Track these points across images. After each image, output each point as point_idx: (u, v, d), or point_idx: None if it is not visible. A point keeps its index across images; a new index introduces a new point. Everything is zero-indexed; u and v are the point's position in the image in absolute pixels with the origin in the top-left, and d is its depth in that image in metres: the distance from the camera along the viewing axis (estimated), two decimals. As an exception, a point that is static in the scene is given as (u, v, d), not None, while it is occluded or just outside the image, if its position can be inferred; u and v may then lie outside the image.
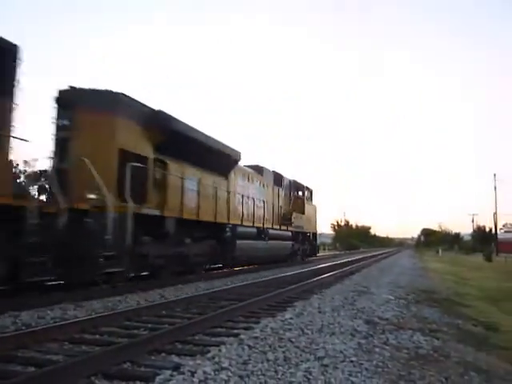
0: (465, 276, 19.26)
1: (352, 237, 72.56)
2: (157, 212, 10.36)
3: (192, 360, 4.00)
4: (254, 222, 16.68)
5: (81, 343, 4.82)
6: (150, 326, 5.76)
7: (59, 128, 9.12)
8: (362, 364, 4.17)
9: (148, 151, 10.32)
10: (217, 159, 13.45)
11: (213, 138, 13.14)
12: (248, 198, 16.33)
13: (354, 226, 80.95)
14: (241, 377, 3.58)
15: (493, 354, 5.28)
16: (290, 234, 21.04)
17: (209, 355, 4.12)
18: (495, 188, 49.69)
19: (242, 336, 4.93)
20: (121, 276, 9.22)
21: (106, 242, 8.33)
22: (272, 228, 18.73)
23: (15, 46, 7.15)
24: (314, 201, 26.65)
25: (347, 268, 17.09)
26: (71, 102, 9.11)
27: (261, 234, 17.45)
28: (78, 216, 7.93)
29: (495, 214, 51.39)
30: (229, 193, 14.52)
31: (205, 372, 3.58)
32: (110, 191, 8.55)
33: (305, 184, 24.00)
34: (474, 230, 69.85)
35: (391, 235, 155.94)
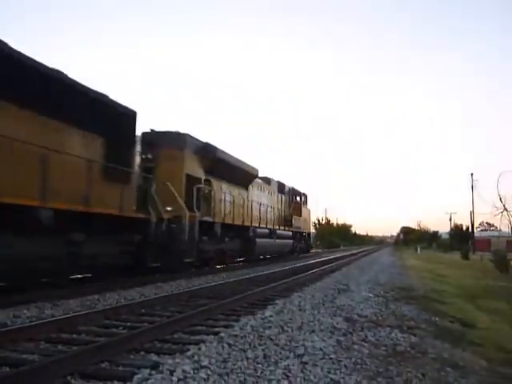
0: (442, 273, 19.61)
1: (333, 235, 73.09)
2: (210, 219, 14.30)
3: (171, 358, 3.97)
4: (266, 224, 20.67)
5: (57, 343, 4.74)
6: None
7: (144, 160, 11.72)
8: (340, 361, 4.21)
9: (201, 174, 14.14)
10: (242, 176, 17.56)
11: (240, 160, 17.26)
12: (261, 204, 20.14)
13: (335, 224, 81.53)
14: (220, 375, 3.57)
15: (469, 351, 5.38)
16: (290, 233, 25.04)
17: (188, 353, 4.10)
18: (472, 187, 50.60)
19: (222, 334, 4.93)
20: (191, 265, 13.06)
21: (183, 241, 12.01)
22: (278, 229, 22.61)
23: (135, 112, 10.57)
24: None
25: (327, 266, 17.21)
26: (153, 142, 12.34)
27: (271, 233, 21.43)
28: (167, 223, 11.61)
29: (472, 212, 52.41)
30: (249, 201, 18.43)
31: (184, 371, 3.56)
32: (181, 205, 12.32)
33: (301, 190, 28.21)
34: (452, 229, 71.07)
35: (371, 233, 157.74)
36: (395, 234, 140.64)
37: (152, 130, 12.97)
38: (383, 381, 3.79)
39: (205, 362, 3.82)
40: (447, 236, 75.67)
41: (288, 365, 3.96)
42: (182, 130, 13.59)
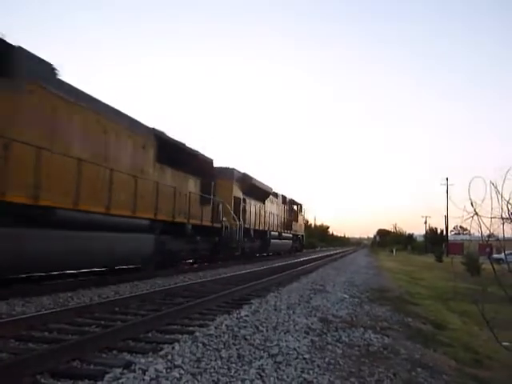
0: (416, 276, 19.97)
1: (311, 236, 73.60)
2: (247, 226, 20.77)
3: (144, 357, 3.93)
4: (276, 229, 27.38)
5: (28, 340, 4.64)
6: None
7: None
8: (314, 361, 4.24)
9: (240, 195, 20.42)
10: (263, 194, 24.42)
11: (263, 183, 24.09)
12: (272, 213, 26.46)
13: (312, 226, 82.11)
14: (193, 374, 3.55)
15: (439, 351, 5.49)
16: (291, 235, 32.07)
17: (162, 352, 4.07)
18: (447, 191, 51.66)
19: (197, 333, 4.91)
20: (238, 257, 19.81)
21: (235, 240, 18.72)
22: (283, 232, 29.22)
23: (212, 159, 16.55)
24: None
25: (306, 266, 17.33)
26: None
27: (279, 236, 28.02)
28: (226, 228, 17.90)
29: (446, 216, 53.49)
30: (266, 212, 24.98)
31: (156, 370, 3.53)
32: (232, 217, 18.76)
33: (298, 201, 35.44)
34: (427, 232, 72.47)
35: (348, 235, 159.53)
36: (372, 235, 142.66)
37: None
38: (356, 381, 3.83)
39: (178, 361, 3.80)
40: (422, 239, 77.06)
41: (262, 364, 3.97)
42: (231, 165, 20.13)
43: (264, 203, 24.62)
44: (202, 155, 15.51)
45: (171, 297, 8.12)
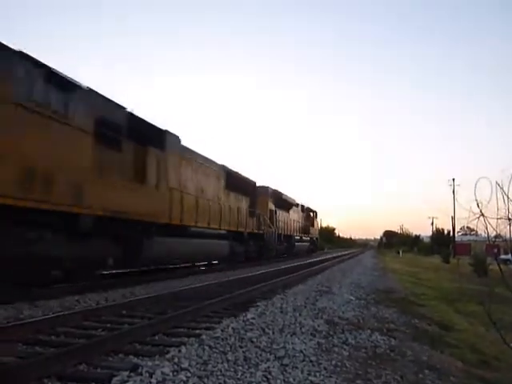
0: (423, 277, 19.87)
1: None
2: (279, 232, 25.55)
3: (151, 361, 3.94)
4: (297, 233, 32.89)
5: (35, 344, 4.66)
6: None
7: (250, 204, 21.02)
8: (320, 363, 4.23)
9: (273, 207, 25.09)
10: (289, 205, 29.98)
11: (290, 197, 30.36)
12: (295, 220, 31.74)
13: (319, 227, 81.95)
14: (200, 377, 3.56)
15: (446, 353, 5.47)
16: (308, 238, 38.13)
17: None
18: (453, 192, 51.33)
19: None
20: (273, 256, 24.17)
21: (272, 244, 23.66)
22: (303, 236, 35.21)
23: (255, 182, 22.18)
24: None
25: (313, 268, 17.33)
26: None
27: (301, 239, 34.10)
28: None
29: (453, 217, 53.18)
30: (290, 219, 30.29)
31: (163, 373, 3.53)
32: (268, 225, 23.32)
33: (313, 208, 41.25)
34: (433, 233, 72.09)
35: (355, 236, 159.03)
36: (378, 237, 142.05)
37: (253, 182, 22.06)
38: (362, 383, 3.82)
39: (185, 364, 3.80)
40: (429, 240, 76.65)
41: (268, 367, 3.97)
42: (267, 184, 24.90)
43: (289, 212, 30.03)
44: (250, 180, 21.29)
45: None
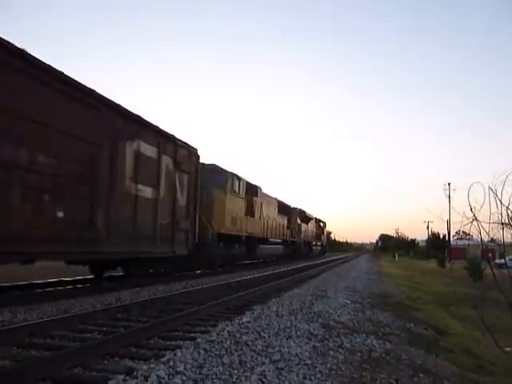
0: (418, 281, 19.94)
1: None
2: (303, 239, 35.54)
3: (146, 364, 3.94)
4: (313, 240, 42.26)
5: (30, 348, 4.65)
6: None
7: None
8: (316, 367, 4.24)
9: (299, 221, 34.01)
10: (308, 218, 38.58)
11: (309, 213, 39.66)
12: (311, 230, 40.75)
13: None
14: (195, 381, 3.56)
15: (441, 357, 5.49)
16: (320, 243, 48.71)
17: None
18: (449, 196, 51.46)
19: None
20: (301, 255, 34.56)
21: (300, 247, 34.43)
22: (317, 241, 45.40)
23: (290, 205, 32.52)
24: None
25: (310, 270, 17.35)
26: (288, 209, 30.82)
27: (315, 244, 43.98)
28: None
29: (448, 221, 53.33)
30: (309, 229, 38.92)
31: (158, 376, 3.53)
32: (297, 234, 33.74)
33: (323, 219, 50.64)
34: (429, 237, 72.31)
35: (350, 240, 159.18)
36: (374, 241, 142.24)
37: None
38: (357, 386, 3.83)
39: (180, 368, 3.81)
40: (425, 244, 76.85)
41: (264, 370, 3.97)
42: (295, 205, 33.43)
43: (308, 224, 38.46)
44: (288, 204, 30.99)
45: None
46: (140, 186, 10.25)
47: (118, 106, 9.47)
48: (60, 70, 7.73)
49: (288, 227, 29.39)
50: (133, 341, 4.88)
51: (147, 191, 10.60)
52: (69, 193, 7.98)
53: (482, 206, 4.22)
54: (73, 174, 8.09)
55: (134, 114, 9.99)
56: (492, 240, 4.64)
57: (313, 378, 3.91)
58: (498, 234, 4.39)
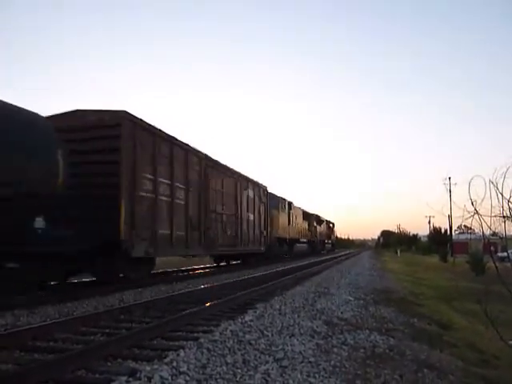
0: (421, 276, 19.93)
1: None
2: (318, 238, 45.34)
3: (149, 365, 3.93)
4: (325, 238, 52.11)
5: (33, 351, 4.64)
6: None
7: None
8: (320, 364, 4.22)
9: (315, 224, 42.43)
10: (322, 221, 48.73)
11: (322, 216, 49.64)
12: (324, 231, 49.83)
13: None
14: (199, 381, 3.55)
15: (445, 351, 5.47)
16: (330, 241, 58.17)
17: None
18: (450, 191, 51.39)
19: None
20: (318, 251, 44.90)
21: (318, 245, 45.29)
22: (328, 240, 54.92)
23: (314, 214, 43.81)
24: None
25: (310, 269, 17.36)
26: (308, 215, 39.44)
27: (327, 242, 54.10)
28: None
29: (450, 216, 53.25)
30: (322, 229, 48.37)
31: (162, 377, 3.52)
32: (315, 235, 43.27)
33: (332, 220, 60.87)
34: (431, 232, 72.24)
35: (352, 236, 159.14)
36: (376, 237, 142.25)
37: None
38: (361, 383, 3.82)
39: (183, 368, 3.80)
40: (426, 239, 76.80)
41: (267, 369, 3.96)
42: (313, 211, 41.27)
43: (321, 226, 46.85)
44: (308, 212, 38.23)
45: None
46: (249, 214, 19.44)
47: (241, 174, 18.50)
48: (227, 165, 16.74)
49: (309, 230, 38.39)
50: (135, 342, 4.87)
51: (251, 216, 19.71)
52: (231, 221, 16.81)
53: (483, 200, 4.20)
54: (231, 213, 16.88)
55: (247, 177, 19.32)
56: (494, 234, 4.62)
57: (317, 375, 3.90)
58: (500, 227, 4.37)
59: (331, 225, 59.82)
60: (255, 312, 6.79)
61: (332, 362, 4.32)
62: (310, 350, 4.70)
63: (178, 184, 12.25)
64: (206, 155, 14.65)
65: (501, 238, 4.65)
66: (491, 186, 4.16)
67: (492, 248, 7.84)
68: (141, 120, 10.55)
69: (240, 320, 6.07)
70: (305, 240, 35.42)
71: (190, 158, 13.25)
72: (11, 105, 7.33)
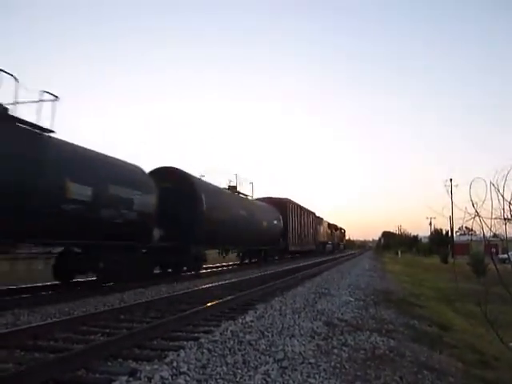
0: (421, 277, 19.92)
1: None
2: (334, 241, 62.43)
3: (149, 365, 3.93)
4: (339, 241, 70.85)
5: (33, 350, 4.65)
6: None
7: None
8: (320, 365, 4.23)
9: (333, 231, 59.62)
10: (336, 228, 65.57)
11: (337, 224, 69.21)
12: (338, 235, 66.43)
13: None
14: (199, 381, 3.55)
15: (445, 353, 5.47)
16: (343, 243, 79.50)
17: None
18: (451, 192, 51.34)
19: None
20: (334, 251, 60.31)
21: (336, 246, 63.74)
22: (340, 243, 73.22)
23: (321, 217, 56.89)
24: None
25: (314, 269, 17.38)
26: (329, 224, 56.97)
27: (339, 245, 70.43)
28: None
29: (451, 217, 53.14)
30: (335, 234, 62.18)
31: (162, 377, 3.53)
32: (333, 239, 59.87)
33: (344, 227, 79.31)
34: (432, 233, 72.13)
35: (353, 238, 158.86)
36: (377, 238, 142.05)
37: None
38: (361, 384, 3.82)
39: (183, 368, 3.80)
40: (427, 240, 76.67)
41: (267, 370, 3.96)
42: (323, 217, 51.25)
43: (336, 231, 59.22)
44: (329, 222, 53.95)
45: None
46: (311, 229, 37.43)
47: (308, 209, 36.57)
48: (307, 207, 36.75)
49: (331, 235, 54.20)
50: (136, 342, 4.88)
51: (311, 230, 37.51)
52: (311, 234, 37.58)
53: (483, 202, 4.20)
54: (312, 231, 38.55)
55: (309, 209, 36.90)
56: (495, 235, 4.61)
57: (317, 376, 3.90)
58: (501, 229, 4.36)
59: (343, 231, 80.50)
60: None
61: (332, 363, 4.33)
62: (310, 351, 4.70)
63: (305, 224, 34.13)
64: (311, 211, 37.25)
65: (501, 240, 4.64)
66: (492, 188, 4.15)
67: (493, 250, 7.83)
68: (290, 200, 29.12)
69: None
70: (330, 242, 53.73)
71: (307, 213, 34.87)
72: (132, 164, 12.25)
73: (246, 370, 3.95)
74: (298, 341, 5.09)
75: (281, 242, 26.01)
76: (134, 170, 12.13)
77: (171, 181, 14.09)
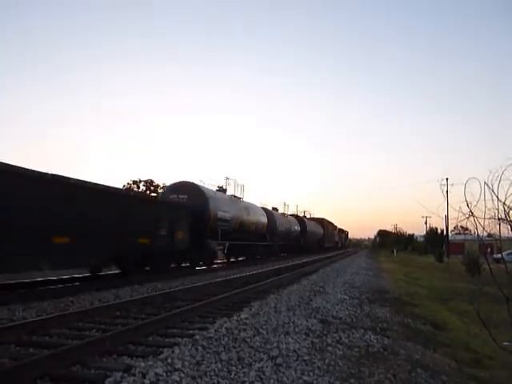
0: (416, 276, 19.98)
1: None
2: (342, 242, 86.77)
3: (144, 361, 3.94)
4: (344, 241, 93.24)
5: (28, 345, 4.64)
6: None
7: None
8: (314, 363, 4.25)
9: (340, 233, 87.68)
10: (342, 231, 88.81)
11: (343, 228, 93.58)
12: (342, 237, 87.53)
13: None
14: (193, 377, 3.56)
15: (439, 352, 5.50)
16: (346, 243, 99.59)
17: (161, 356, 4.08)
18: (447, 192, 51.55)
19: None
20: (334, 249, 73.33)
21: (343, 245, 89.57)
22: (344, 242, 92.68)
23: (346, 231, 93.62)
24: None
25: (309, 267, 17.40)
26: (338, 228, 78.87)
27: (344, 245, 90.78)
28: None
29: (446, 217, 53.37)
30: (342, 237, 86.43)
31: (156, 373, 3.54)
32: (338, 239, 77.92)
33: (345, 229, 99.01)
34: (427, 232, 72.35)
35: (348, 236, 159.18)
36: (372, 236, 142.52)
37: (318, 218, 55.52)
38: (355, 382, 3.84)
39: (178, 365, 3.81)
40: (423, 239, 76.93)
41: (262, 367, 3.98)
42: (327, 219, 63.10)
43: (342, 234, 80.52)
44: (337, 226, 75.08)
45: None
46: (335, 234, 70.08)
47: (332, 223, 64.85)
48: (333, 223, 66.62)
49: (339, 236, 70.97)
50: (131, 338, 4.89)
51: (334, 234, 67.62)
52: (332, 236, 63.80)
53: (478, 202, 4.22)
54: (331, 234, 61.95)
55: (335, 225, 70.45)
56: (489, 235, 4.64)
57: (311, 373, 3.92)
58: (495, 229, 4.38)
59: (346, 232, 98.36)
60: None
61: (326, 361, 4.35)
62: (305, 349, 4.73)
63: (331, 231, 61.04)
64: (331, 222, 61.48)
65: (496, 240, 4.66)
66: (486, 188, 4.17)
67: (489, 250, 7.85)
68: (325, 219, 54.67)
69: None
70: (339, 241, 70.15)
71: (330, 224, 60.61)
72: (257, 206, 26.82)
73: (240, 366, 3.96)
74: (292, 338, 5.11)
75: (322, 242, 49.92)
76: (258, 207, 25.44)
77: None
